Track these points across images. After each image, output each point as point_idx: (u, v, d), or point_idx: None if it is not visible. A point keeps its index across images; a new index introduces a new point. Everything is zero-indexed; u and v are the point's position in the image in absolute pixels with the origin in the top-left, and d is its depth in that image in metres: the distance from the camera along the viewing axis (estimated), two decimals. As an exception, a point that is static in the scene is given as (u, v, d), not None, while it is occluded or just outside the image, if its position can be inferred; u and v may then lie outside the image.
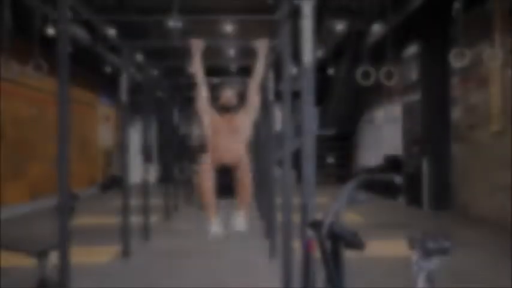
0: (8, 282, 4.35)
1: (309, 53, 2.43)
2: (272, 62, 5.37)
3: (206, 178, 3.24)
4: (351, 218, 8.13)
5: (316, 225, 1.52)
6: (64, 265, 3.40)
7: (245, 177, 3.28)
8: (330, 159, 17.35)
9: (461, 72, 8.69)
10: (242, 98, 3.50)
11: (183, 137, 10.99)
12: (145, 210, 6.25)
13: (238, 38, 12.46)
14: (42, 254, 4.16)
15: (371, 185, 1.58)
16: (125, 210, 5.21)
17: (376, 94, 14.43)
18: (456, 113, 9.04)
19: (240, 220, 3.45)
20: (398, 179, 1.45)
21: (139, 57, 12.28)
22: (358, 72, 4.79)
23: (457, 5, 4.36)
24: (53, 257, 3.59)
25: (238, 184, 3.33)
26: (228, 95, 3.40)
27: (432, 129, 9.30)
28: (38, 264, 4.14)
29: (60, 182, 3.40)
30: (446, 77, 9.23)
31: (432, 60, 9.30)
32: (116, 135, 15.98)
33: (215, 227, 3.21)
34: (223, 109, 3.40)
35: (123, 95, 5.36)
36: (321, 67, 14.95)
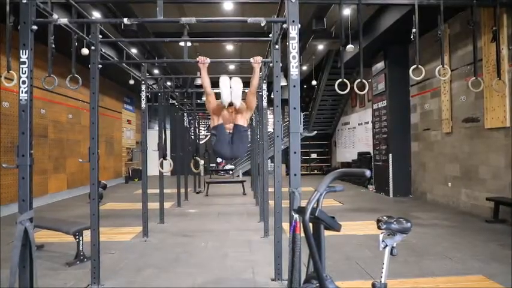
0: (50, 255, 4.33)
1: (295, 68, 2.43)
2: (266, 75, 5.37)
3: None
4: (332, 204, 8.17)
5: (301, 210, 1.52)
6: (95, 242, 3.38)
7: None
8: (314, 156, 17.40)
9: (419, 84, 8.74)
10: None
11: (192, 136, 10.95)
12: (161, 198, 6.22)
13: (238, 55, 12.45)
14: (78, 233, 4.16)
15: (346, 176, 1.58)
16: (144, 198, 5.18)
17: (351, 102, 14.48)
18: (415, 118, 9.08)
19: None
20: (368, 173, 1.45)
21: (156, 71, 12.26)
22: (336, 84, 4.78)
23: (414, 30, 4.37)
24: (87, 236, 3.58)
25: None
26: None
27: (396, 130, 9.34)
28: (75, 242, 4.15)
29: (92, 174, 3.40)
30: (406, 88, 9.27)
31: (395, 74, 9.34)
32: (137, 135, 15.92)
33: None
34: (229, 105, 3.35)
35: (143, 103, 5.35)
36: (306, 79, 14.98)
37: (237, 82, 3.21)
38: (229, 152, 3.23)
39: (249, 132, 3.41)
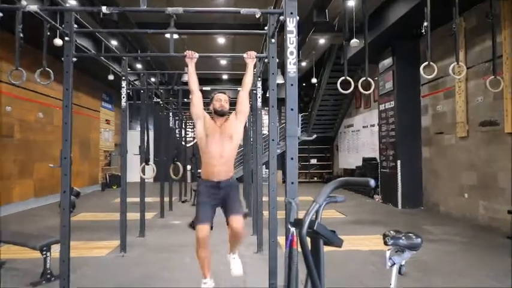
0: (13, 274, 4.27)
1: (293, 64, 2.43)
2: (261, 72, 5.38)
3: (204, 245, 3.17)
4: (333, 215, 8.18)
5: (298, 223, 1.52)
6: (65, 258, 3.34)
7: (238, 226, 3.18)
8: (313, 161, 17.44)
9: (430, 83, 8.82)
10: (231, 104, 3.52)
11: (178, 139, 10.92)
12: (141, 208, 6.18)
13: (231, 50, 12.46)
14: (45, 248, 4.11)
15: (349, 185, 1.58)
16: (122, 208, 5.13)
17: (355, 102, 14.55)
18: (426, 120, 9.15)
19: (235, 263, 3.41)
20: (372, 183, 1.44)
21: (138, 66, 12.23)
22: (338, 82, 4.80)
23: (425, 24, 4.42)
24: (56, 251, 3.53)
25: (231, 233, 3.26)
26: (222, 101, 3.41)
27: (405, 134, 9.39)
28: (42, 258, 4.09)
29: (63, 181, 3.36)
30: (417, 88, 9.35)
31: (404, 72, 9.41)
32: (116, 137, 15.83)
33: (207, 284, 3.20)
34: (217, 114, 3.41)
35: (123, 100, 5.33)
36: (305, 77, 15.05)
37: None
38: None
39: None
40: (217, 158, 3.28)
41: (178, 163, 8.06)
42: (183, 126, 11.73)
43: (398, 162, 9.36)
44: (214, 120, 3.41)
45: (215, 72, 13.03)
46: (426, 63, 4.79)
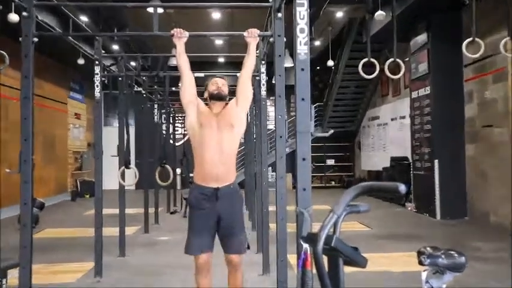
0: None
1: (304, 44, 2.42)
2: (265, 54, 5.37)
3: (203, 272, 3.22)
4: (356, 228, 8.17)
5: (312, 238, 1.51)
6: (25, 285, 3.32)
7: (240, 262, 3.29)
8: (331, 162, 17.44)
9: (476, 64, 8.77)
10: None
11: (165, 136, 10.95)
12: (121, 221, 6.20)
13: (228, 27, 12.46)
14: (0, 274, 4.11)
15: (374, 192, 1.58)
16: (98, 222, 5.14)
17: (380, 89, 14.52)
18: (470, 110, 9.10)
19: None
20: (403, 188, 1.43)
21: (115, 47, 12.26)
22: (360, 65, 4.79)
23: (470, -10, 4.38)
24: (14, 276, 3.54)
25: (231, 270, 3.34)
26: (218, 84, 3.38)
27: (444, 127, 9.36)
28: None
29: (23, 190, 3.35)
30: (459, 70, 9.31)
31: (443, 50, 9.37)
32: (89, 135, 15.90)
33: None
34: (213, 98, 3.37)
35: (97, 90, 5.33)
36: (320, 59, 15.02)
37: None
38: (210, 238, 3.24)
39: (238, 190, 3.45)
40: (214, 154, 3.19)
41: (167, 166, 8.07)
42: (171, 121, 11.77)
43: (436, 162, 9.34)
44: (209, 107, 3.38)
45: (209, 55, 13.02)
46: (470, 39, 4.75)
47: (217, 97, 3.34)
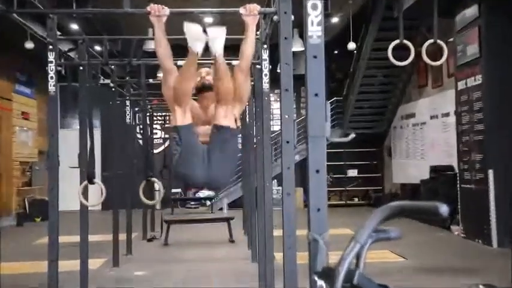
0: None
1: (317, 24, 2.45)
2: (267, 36, 5.40)
3: None
4: (387, 259, 8.15)
5: (328, 273, 1.54)
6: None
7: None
8: (353, 173, 17.41)
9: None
10: None
11: (139, 142, 10.97)
12: (82, 252, 6.20)
13: (219, 2, 12.52)
14: None
15: (407, 213, 1.59)
16: (52, 253, 5.15)
17: (417, 79, 14.54)
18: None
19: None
20: (444, 210, 1.43)
21: (75, 27, 12.29)
22: (390, 48, 4.83)
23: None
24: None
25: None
26: (202, 74, 3.49)
27: (500, 128, 9.37)
28: None
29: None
30: (518, 53, 9.34)
31: (499, 28, 9.39)
32: (41, 140, 15.91)
33: None
34: (199, 91, 3.51)
35: (52, 82, 5.35)
36: (338, 41, 15.07)
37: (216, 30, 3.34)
38: (203, 177, 3.30)
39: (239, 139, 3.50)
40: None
41: (155, 179, 8.08)
42: (148, 122, 11.78)
43: (490, 172, 9.33)
44: (199, 102, 3.57)
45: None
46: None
47: (201, 88, 3.52)
